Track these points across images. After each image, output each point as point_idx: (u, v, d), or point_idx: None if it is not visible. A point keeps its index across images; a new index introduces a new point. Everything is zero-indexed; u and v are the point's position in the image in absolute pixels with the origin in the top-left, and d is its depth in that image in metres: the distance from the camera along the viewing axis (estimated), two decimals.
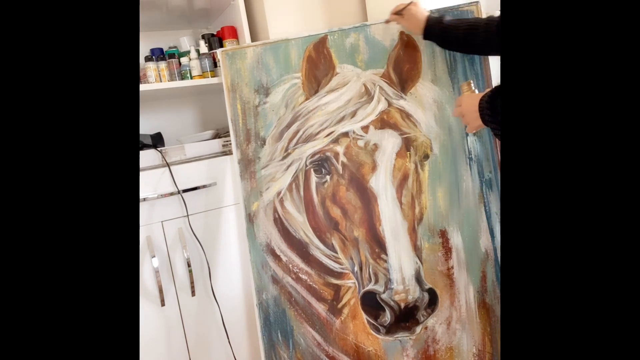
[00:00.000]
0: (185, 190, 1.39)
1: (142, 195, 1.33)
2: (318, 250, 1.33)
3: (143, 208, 1.34)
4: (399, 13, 1.26)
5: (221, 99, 1.43)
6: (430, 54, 1.31)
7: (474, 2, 1.28)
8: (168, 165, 1.39)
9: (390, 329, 1.29)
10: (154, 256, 1.34)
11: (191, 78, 1.59)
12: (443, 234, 1.31)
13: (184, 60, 1.60)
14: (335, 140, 1.32)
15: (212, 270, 1.44)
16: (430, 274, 1.30)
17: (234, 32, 1.64)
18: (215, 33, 1.71)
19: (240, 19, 1.59)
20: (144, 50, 1.73)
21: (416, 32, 1.25)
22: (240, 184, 1.37)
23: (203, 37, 1.68)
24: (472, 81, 1.13)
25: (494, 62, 1.29)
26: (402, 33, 1.32)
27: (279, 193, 1.35)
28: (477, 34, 1.14)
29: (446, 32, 1.19)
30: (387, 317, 1.27)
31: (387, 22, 1.31)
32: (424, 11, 1.23)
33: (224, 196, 1.47)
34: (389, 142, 1.30)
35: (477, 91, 1.12)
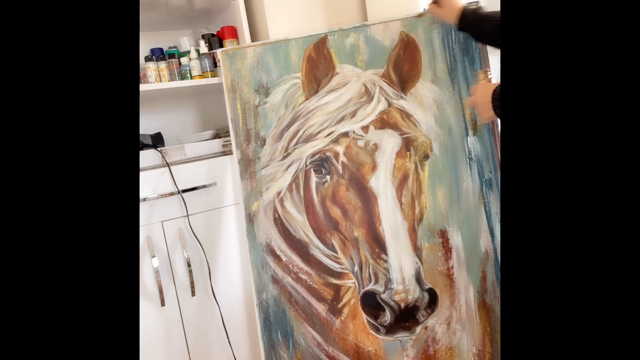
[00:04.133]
0: (185, 190, 1.39)
1: (142, 195, 1.33)
2: (318, 250, 1.33)
3: (143, 208, 1.34)
4: (436, 2, 1.25)
5: (221, 99, 1.43)
6: (430, 54, 1.31)
7: (473, 2, 1.28)
8: (168, 165, 1.39)
9: (390, 329, 1.29)
10: (154, 256, 1.34)
11: (191, 78, 1.59)
12: (443, 234, 1.31)
13: (184, 60, 1.60)
14: (335, 140, 1.32)
15: (212, 270, 1.44)
16: (430, 274, 1.30)
17: (234, 32, 1.64)
18: (215, 33, 1.71)
19: (240, 19, 1.58)
20: (144, 50, 1.73)
21: (451, 21, 1.23)
22: (240, 184, 1.37)
23: (203, 37, 1.68)
24: (488, 69, 1.08)
25: (495, 62, 1.29)
26: (402, 33, 1.32)
27: (279, 193, 1.35)
28: None
29: (482, 23, 1.16)
30: (387, 317, 1.27)
31: (422, 14, 1.29)
32: (460, 1, 1.21)
33: (224, 196, 1.47)
34: (389, 142, 1.30)
35: (493, 80, 1.08)
